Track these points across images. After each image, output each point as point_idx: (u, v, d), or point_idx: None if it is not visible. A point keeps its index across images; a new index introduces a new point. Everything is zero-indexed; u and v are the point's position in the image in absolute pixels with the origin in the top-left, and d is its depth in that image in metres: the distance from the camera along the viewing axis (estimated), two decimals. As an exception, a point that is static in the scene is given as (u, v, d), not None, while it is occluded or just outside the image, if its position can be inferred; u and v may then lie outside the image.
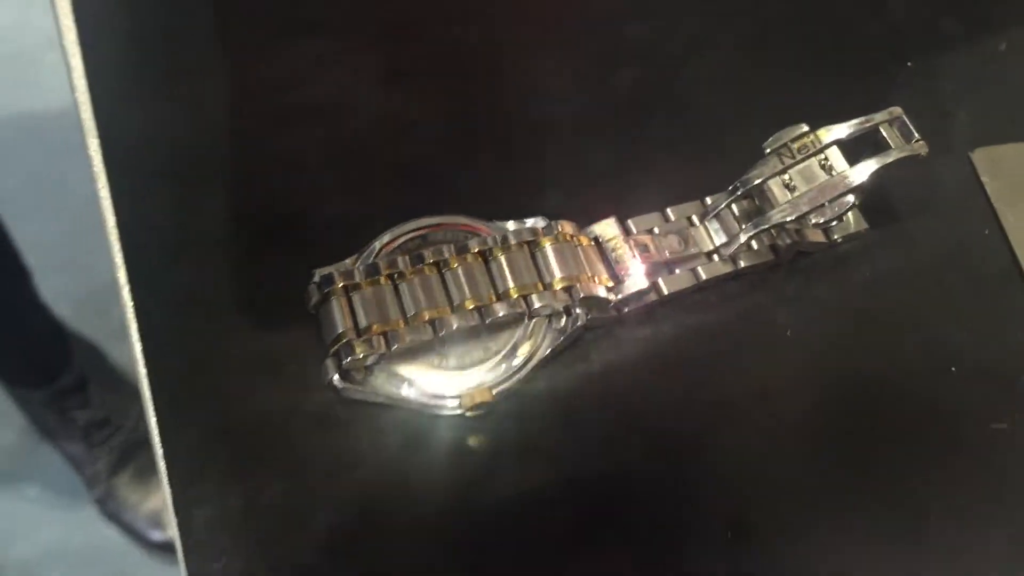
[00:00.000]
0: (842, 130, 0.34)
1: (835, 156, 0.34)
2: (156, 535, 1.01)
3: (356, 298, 0.32)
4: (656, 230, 0.35)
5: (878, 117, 0.34)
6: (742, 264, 0.35)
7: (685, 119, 0.39)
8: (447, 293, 0.32)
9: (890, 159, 0.33)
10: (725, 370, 0.34)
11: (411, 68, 0.40)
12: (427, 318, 0.32)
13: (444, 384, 0.32)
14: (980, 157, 0.38)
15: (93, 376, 1.02)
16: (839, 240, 0.36)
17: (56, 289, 1.00)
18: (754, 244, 0.35)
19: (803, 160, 0.34)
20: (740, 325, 0.35)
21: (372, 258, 0.33)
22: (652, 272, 0.34)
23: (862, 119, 0.34)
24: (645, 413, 0.33)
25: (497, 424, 0.32)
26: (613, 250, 0.34)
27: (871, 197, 0.36)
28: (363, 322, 0.31)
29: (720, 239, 0.35)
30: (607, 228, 0.35)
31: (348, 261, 0.33)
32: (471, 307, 0.32)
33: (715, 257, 0.35)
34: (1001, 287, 0.35)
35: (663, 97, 0.40)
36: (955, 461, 0.32)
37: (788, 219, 0.34)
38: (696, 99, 0.39)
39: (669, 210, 0.36)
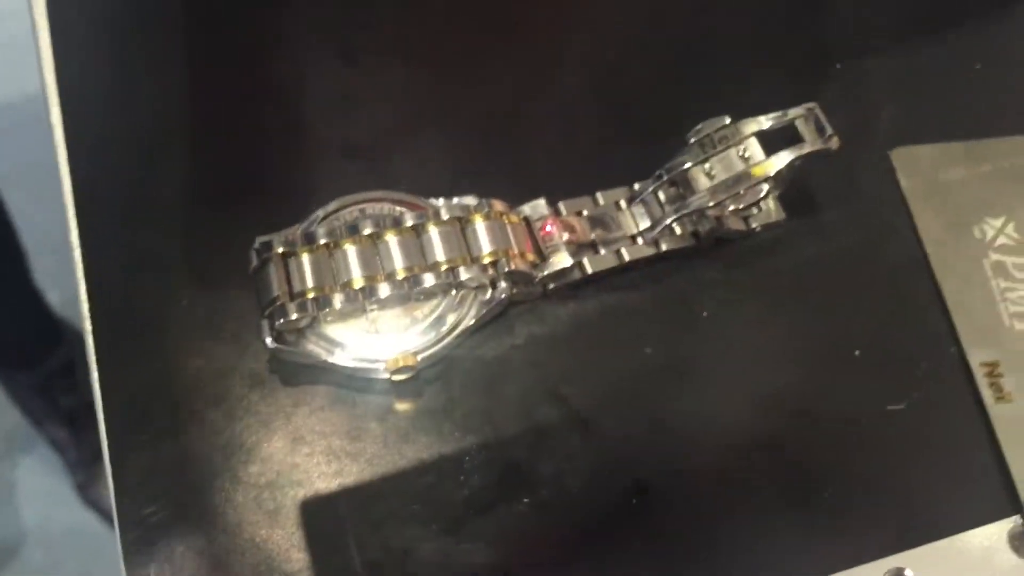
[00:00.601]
0: (760, 122, 0.36)
1: (753, 147, 0.36)
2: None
3: (292, 264, 0.34)
4: (585, 212, 0.37)
5: (794, 112, 0.35)
6: (664, 247, 0.37)
7: (621, 111, 0.41)
8: (380, 262, 0.34)
9: (803, 151, 0.35)
10: (643, 347, 0.35)
11: (365, 53, 0.42)
12: (359, 285, 0.33)
13: (373, 349, 0.33)
14: (898, 156, 0.39)
15: (80, 361, 1.03)
16: (758, 228, 0.38)
17: (48, 272, 1.01)
18: (677, 229, 0.37)
19: (723, 150, 0.36)
20: (660, 305, 0.36)
21: (312, 226, 0.35)
22: (578, 252, 0.36)
23: (779, 113, 0.36)
24: (565, 384, 0.35)
25: (421, 388, 0.34)
26: (541, 229, 0.36)
27: (793, 189, 0.38)
28: (297, 287, 0.33)
29: (644, 223, 0.37)
30: (537, 208, 0.37)
31: (290, 229, 0.35)
32: (401, 276, 0.34)
33: (639, 240, 0.37)
34: (909, 279, 0.37)
35: (603, 93, 0.42)
36: (851, 440, 0.34)
37: (707, 205, 0.35)
38: (632, 94, 0.41)
39: (599, 194, 0.38)
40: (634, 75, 0.42)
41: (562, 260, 0.36)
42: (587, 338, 0.36)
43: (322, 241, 0.34)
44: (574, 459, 0.34)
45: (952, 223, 0.38)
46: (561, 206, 0.37)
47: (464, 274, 0.34)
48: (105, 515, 1.03)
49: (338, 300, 0.33)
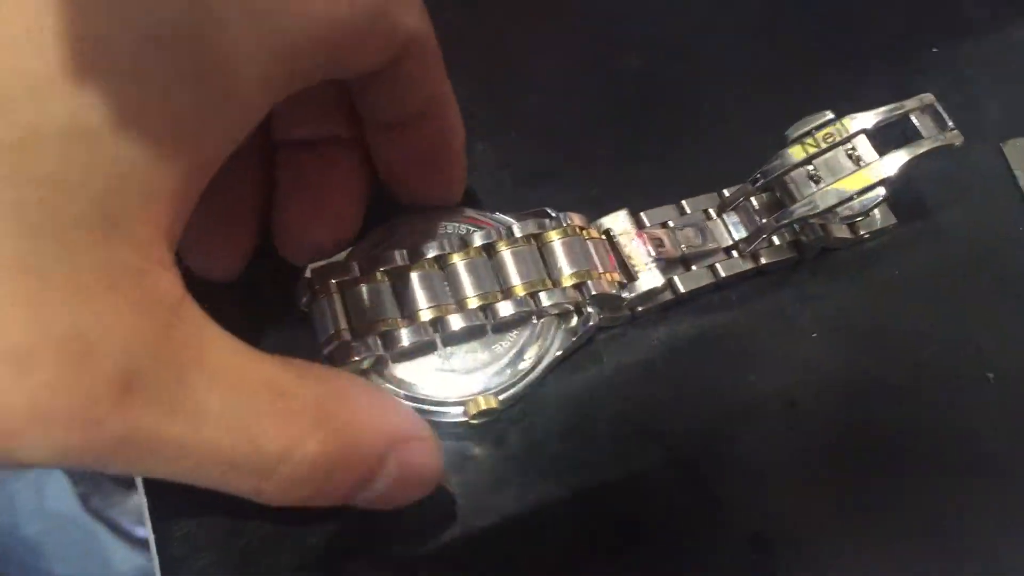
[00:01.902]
0: (870, 118, 0.32)
1: (863, 145, 0.32)
2: (140, 531, 0.99)
3: (350, 295, 0.30)
4: (671, 223, 0.33)
5: (909, 104, 0.32)
6: (763, 261, 0.33)
7: (699, 107, 0.37)
8: (449, 290, 0.30)
9: (922, 149, 0.31)
10: (746, 374, 0.31)
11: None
12: (428, 317, 0.29)
13: (447, 389, 0.29)
14: (1012, 149, 0.35)
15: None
16: (866, 236, 0.34)
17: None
18: (775, 239, 0.33)
19: (829, 150, 0.32)
20: (762, 326, 0.32)
21: (368, 251, 0.31)
22: (667, 269, 0.32)
23: (892, 106, 0.32)
24: (661, 420, 0.31)
25: (502, 431, 0.30)
26: (625, 245, 0.32)
27: (897, 189, 0.34)
28: (358, 321, 0.29)
29: (739, 233, 0.33)
30: (618, 221, 0.33)
31: (342, 256, 0.31)
32: (475, 305, 0.30)
33: (734, 253, 0.33)
34: (1037, 287, 0.33)
35: (674, 84, 0.37)
36: (992, 480, 0.30)
37: (813, 213, 0.31)
38: (710, 86, 0.37)
39: (684, 203, 0.34)
40: (714, 67, 0.38)
41: (652, 279, 0.32)
42: (683, 366, 0.32)
43: (382, 268, 0.30)
44: (679, 508, 0.30)
45: (1078, 222, 0.34)
46: (643, 217, 0.33)
47: (546, 300, 0.30)
48: (108, 525, 1.00)
49: (405, 335, 0.29)
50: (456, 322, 0.29)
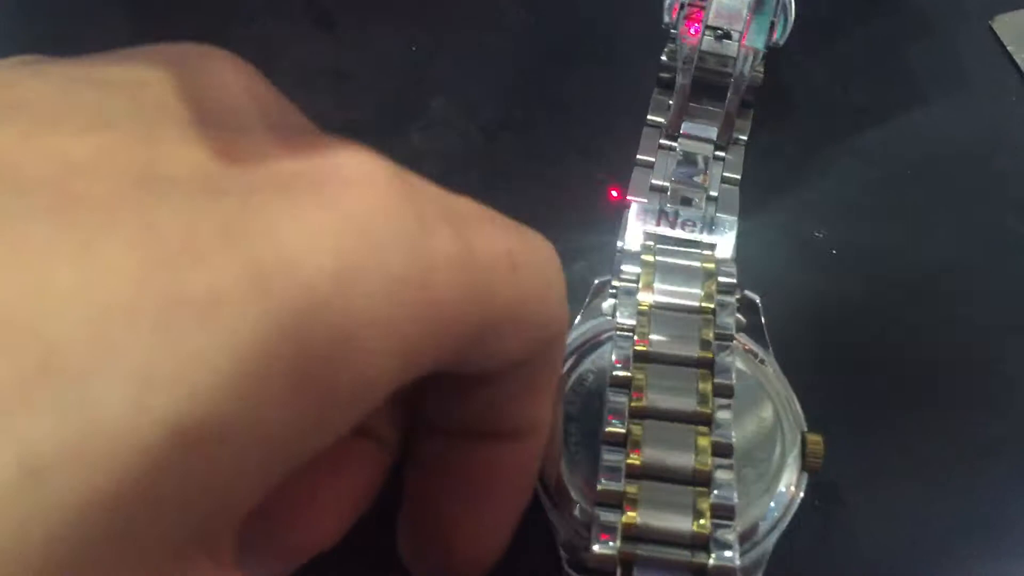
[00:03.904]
0: (705, -54, 0.29)
1: (734, -26, 0.29)
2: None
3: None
4: (654, 181, 0.29)
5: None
6: (743, 137, 0.30)
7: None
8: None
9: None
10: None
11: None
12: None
13: (779, 484, 0.24)
14: (1002, 25, 0.33)
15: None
16: (781, 43, 0.31)
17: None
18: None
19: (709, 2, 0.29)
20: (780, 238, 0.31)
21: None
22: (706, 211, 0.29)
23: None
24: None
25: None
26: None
27: (890, 79, 0.32)
28: None
29: (710, 133, 0.30)
30: (642, 225, 0.28)
31: None
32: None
33: (723, 153, 0.30)
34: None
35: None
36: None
37: (760, 57, 0.29)
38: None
39: (640, 157, 0.30)
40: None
41: (727, 228, 0.28)
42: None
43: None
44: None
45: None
46: (634, 203, 0.29)
47: (725, 326, 0.24)
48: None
49: (729, 533, 0.22)
50: (726, 470, 0.22)
